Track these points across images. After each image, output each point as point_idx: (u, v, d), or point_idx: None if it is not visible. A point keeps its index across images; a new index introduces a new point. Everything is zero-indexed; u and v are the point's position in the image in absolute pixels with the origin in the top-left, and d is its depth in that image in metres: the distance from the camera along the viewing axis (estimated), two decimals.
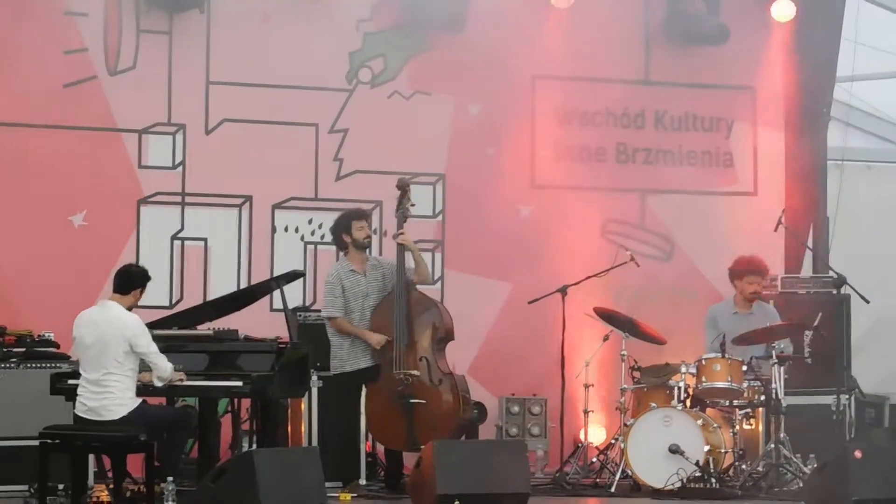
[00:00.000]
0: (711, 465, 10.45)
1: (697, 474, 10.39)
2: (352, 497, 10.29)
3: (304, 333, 10.64)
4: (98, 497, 9.79)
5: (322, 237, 12.08)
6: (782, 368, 10.79)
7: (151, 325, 10.04)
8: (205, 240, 11.98)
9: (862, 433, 11.86)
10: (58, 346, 10.65)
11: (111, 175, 11.72)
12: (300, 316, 11.08)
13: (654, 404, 10.85)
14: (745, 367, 10.80)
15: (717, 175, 13.06)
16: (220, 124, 12.00)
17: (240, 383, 9.65)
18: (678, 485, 10.41)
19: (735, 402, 10.86)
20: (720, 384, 10.78)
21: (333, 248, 11.13)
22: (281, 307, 10.11)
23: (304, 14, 12.05)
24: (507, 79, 12.52)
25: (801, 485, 10.48)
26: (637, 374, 11.26)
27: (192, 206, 11.93)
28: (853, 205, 13.19)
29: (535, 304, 11.66)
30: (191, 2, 11.85)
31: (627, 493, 10.66)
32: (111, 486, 9.60)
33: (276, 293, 10.35)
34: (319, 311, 11.10)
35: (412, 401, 10.40)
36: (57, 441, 9.27)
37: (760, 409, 10.95)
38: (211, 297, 11.48)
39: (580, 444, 11.54)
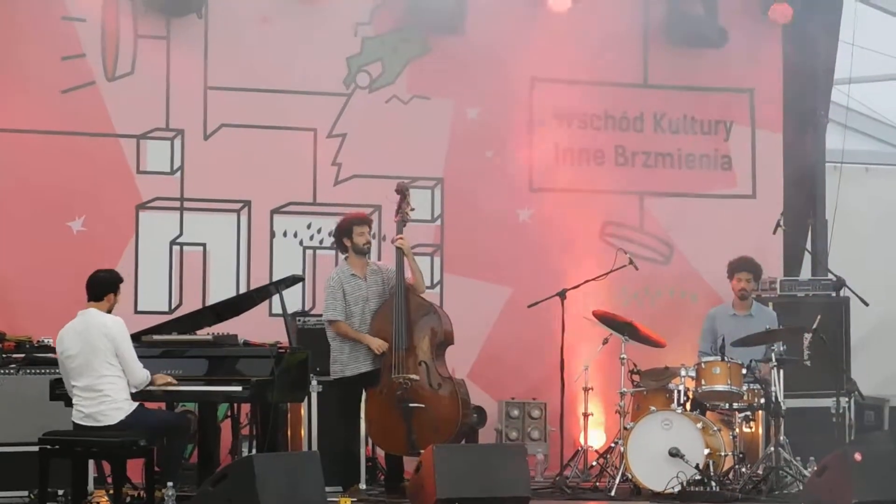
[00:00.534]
0: (711, 469, 10.44)
1: (697, 477, 10.38)
2: (352, 501, 10.25)
3: (304, 338, 10.63)
4: (98, 503, 9.80)
5: (321, 242, 12.08)
6: (782, 371, 10.80)
7: (151, 331, 10.05)
8: (204, 245, 11.96)
9: (862, 436, 11.85)
10: None
11: (110, 180, 11.71)
12: (299, 320, 11.08)
13: (653, 408, 10.84)
14: (744, 371, 10.80)
15: (715, 178, 13.05)
16: (218, 129, 11.99)
17: (239, 388, 9.65)
18: (678, 488, 10.40)
19: (735, 405, 10.85)
20: (720, 387, 10.78)
21: (332, 252, 11.14)
22: (280, 312, 10.12)
23: (302, 19, 12.05)
24: (505, 82, 12.51)
25: (801, 488, 10.48)
26: (637, 378, 11.27)
27: (190, 211, 11.92)
28: (851, 207, 13.19)
29: (535, 308, 11.65)
30: (189, 7, 11.84)
31: (627, 496, 10.65)
32: (111, 491, 9.61)
33: (276, 298, 10.36)
34: (319, 315, 11.09)
35: (412, 405, 10.39)
36: (57, 447, 9.27)
37: (760, 411, 10.95)
38: (210, 302, 11.47)
39: (580, 448, 11.54)
